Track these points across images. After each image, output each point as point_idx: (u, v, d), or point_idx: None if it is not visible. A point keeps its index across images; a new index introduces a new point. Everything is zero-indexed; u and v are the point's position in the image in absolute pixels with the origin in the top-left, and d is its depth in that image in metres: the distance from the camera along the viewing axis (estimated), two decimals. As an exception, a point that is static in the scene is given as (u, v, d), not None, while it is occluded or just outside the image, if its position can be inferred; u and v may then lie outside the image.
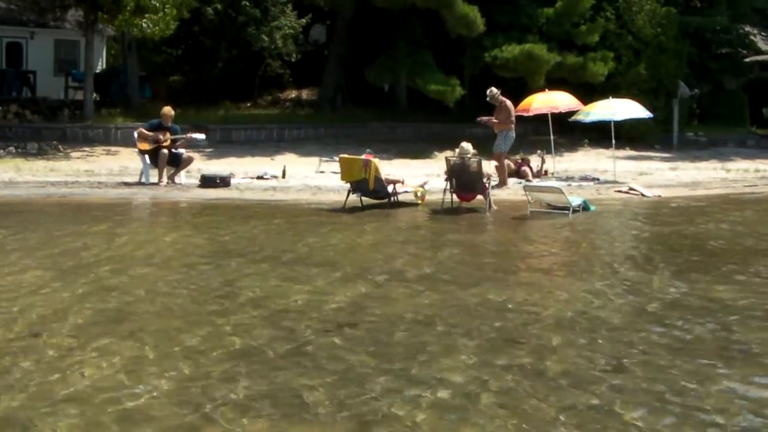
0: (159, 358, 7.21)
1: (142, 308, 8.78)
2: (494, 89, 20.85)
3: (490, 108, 21.13)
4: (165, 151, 19.90)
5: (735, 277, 10.94)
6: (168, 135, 20.04)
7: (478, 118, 21.08)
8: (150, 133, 20.07)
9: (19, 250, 11.98)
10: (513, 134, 20.60)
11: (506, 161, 21.25)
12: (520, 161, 22.66)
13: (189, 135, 20.62)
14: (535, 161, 23.05)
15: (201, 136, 21.16)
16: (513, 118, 20.65)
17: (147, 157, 20.08)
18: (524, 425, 5.90)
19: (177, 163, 20.30)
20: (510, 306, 9.15)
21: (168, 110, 20.49)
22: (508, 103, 20.75)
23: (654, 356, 7.43)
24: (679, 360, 7.32)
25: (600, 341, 7.88)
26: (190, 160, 20.70)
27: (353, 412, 6.07)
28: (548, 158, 23.65)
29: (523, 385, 6.63)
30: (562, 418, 6.01)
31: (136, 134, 20.45)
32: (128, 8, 25.95)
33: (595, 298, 9.59)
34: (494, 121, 20.52)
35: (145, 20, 26.47)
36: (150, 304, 8.99)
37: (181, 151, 20.52)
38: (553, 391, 6.52)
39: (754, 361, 7.42)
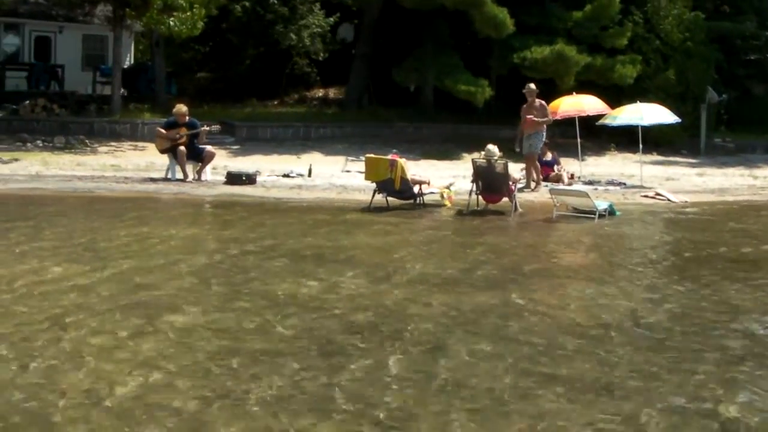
0: (183, 354, 7.21)
1: (167, 304, 8.78)
2: (533, 85, 20.87)
3: (517, 109, 21.05)
4: (182, 148, 19.88)
5: (760, 284, 10.86)
6: (184, 131, 20.04)
7: (517, 149, 20.93)
8: (165, 132, 20.14)
9: (43, 244, 12.02)
10: (544, 135, 20.65)
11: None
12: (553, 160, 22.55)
13: (204, 128, 20.60)
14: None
15: (216, 127, 21.36)
16: (550, 117, 20.70)
17: (172, 154, 20.10)
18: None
19: (199, 158, 20.29)
20: (534, 309, 9.11)
21: (179, 108, 20.44)
22: (543, 102, 20.80)
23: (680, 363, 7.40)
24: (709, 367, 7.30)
25: (625, 348, 7.83)
26: (212, 155, 20.61)
27: (376, 411, 6.07)
28: (575, 162, 23.57)
29: (549, 392, 6.61)
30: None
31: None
32: (156, 6, 26.00)
33: (618, 303, 9.54)
34: (535, 119, 20.38)
35: (172, 19, 26.51)
36: (175, 299, 8.99)
37: (204, 146, 20.47)
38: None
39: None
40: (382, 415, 6.03)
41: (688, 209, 19.04)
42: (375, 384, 6.64)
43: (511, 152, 19.85)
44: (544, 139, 20.67)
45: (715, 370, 7.24)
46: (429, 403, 6.26)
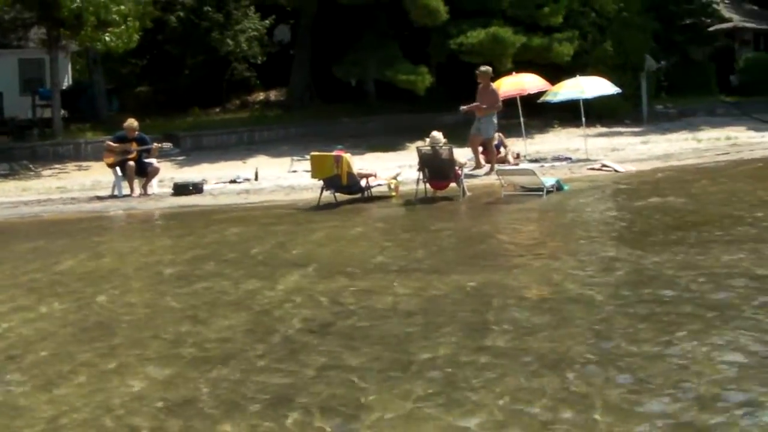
0: (142, 369, 7.19)
1: (126, 319, 8.75)
2: (486, 68, 20.91)
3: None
4: (131, 163, 19.81)
5: (713, 245, 10.98)
6: (134, 146, 19.98)
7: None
8: (116, 145, 20.08)
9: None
10: (495, 121, 20.62)
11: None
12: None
13: (156, 144, 20.57)
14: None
15: (167, 144, 21.42)
16: (500, 103, 20.67)
17: (118, 169, 19.98)
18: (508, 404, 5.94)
19: (144, 173, 20.22)
20: (492, 291, 9.13)
21: (130, 123, 20.44)
22: (495, 86, 20.88)
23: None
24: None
25: (582, 320, 7.89)
26: (156, 170, 20.59)
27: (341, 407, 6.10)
28: (519, 141, 23.65)
29: (505, 367, 6.66)
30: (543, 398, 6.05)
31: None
32: (90, 23, 25.80)
33: (573, 277, 9.61)
34: (483, 106, 20.37)
35: (107, 35, 26.33)
36: (133, 312, 8.95)
37: (150, 160, 20.41)
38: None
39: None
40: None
41: (632, 178, 19.21)
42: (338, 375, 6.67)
43: (455, 138, 19.85)
44: (495, 125, 20.62)
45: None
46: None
